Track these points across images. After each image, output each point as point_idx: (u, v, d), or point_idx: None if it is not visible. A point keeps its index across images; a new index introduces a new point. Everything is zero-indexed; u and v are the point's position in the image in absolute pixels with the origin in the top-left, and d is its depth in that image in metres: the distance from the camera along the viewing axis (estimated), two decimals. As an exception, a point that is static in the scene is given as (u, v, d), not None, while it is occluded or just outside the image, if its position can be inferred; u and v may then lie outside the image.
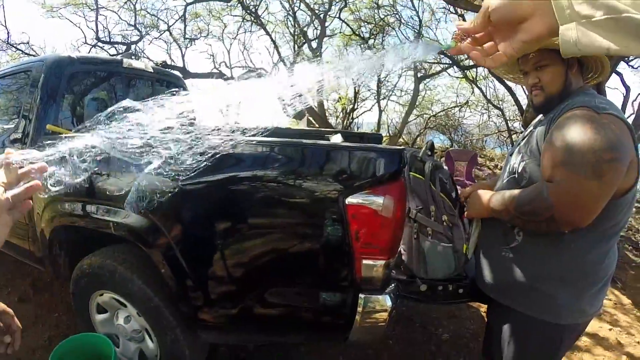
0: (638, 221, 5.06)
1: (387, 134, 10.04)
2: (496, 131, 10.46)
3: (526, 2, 0.55)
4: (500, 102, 9.20)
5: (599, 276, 1.19)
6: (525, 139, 1.29)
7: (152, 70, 2.82)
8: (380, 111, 10.21)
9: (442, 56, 7.68)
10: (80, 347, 1.59)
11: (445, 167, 1.73)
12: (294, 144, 1.33)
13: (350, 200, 1.21)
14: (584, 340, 2.52)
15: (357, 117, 11.00)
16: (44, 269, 2.18)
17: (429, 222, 1.43)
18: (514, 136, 8.96)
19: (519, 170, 1.23)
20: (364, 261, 1.25)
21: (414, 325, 2.58)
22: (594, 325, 2.69)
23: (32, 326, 2.39)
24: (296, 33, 9.54)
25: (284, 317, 1.41)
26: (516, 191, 1.18)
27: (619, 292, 3.30)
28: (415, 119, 10.97)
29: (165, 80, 2.98)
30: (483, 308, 2.76)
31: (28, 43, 9.01)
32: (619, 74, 6.05)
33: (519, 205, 1.14)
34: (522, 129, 6.95)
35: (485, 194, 1.30)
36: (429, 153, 1.56)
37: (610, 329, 2.71)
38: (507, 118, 9.01)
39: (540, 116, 1.34)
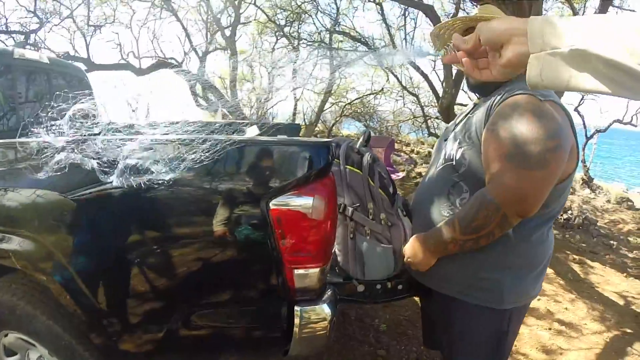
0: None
1: (303, 123, 9.98)
2: (411, 117, 10.89)
3: (505, 29, 0.58)
4: (416, 89, 9.55)
5: (539, 259, 1.20)
6: (462, 124, 1.24)
7: (48, 62, 2.56)
8: (296, 100, 10.12)
9: (358, 44, 7.74)
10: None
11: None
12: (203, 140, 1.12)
13: (275, 203, 1.05)
14: (516, 312, 2.65)
15: (272, 107, 10.80)
16: None
17: (367, 222, 1.32)
18: (429, 122, 9.40)
19: (457, 157, 1.18)
20: (296, 271, 1.10)
21: (349, 319, 2.52)
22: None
23: None
24: (209, 20, 9.01)
25: (214, 336, 1.24)
26: (453, 217, 1.13)
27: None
28: (330, 107, 11.03)
29: (64, 73, 2.75)
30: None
31: None
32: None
33: (465, 226, 1.09)
34: (438, 114, 7.31)
35: (417, 245, 1.22)
36: (365, 144, 1.45)
37: (538, 299, 2.88)
38: (423, 104, 9.39)
39: (471, 103, 1.31)
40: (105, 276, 1.18)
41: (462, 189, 1.18)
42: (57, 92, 2.61)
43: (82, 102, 1.06)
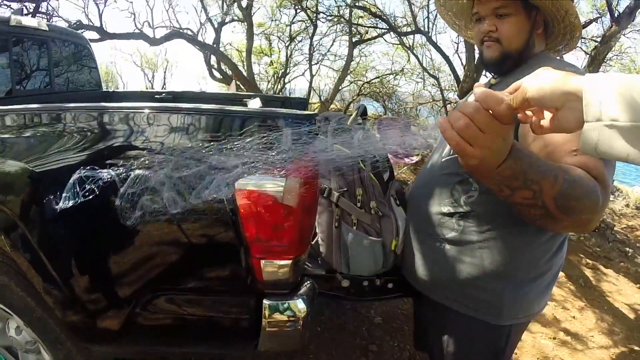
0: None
1: (319, 100, 9.73)
2: (431, 100, 10.54)
3: (558, 93, 0.53)
4: (437, 72, 9.19)
5: (549, 269, 1.03)
6: None
7: (47, 29, 2.47)
8: (312, 76, 9.80)
9: (379, 20, 7.42)
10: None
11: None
12: (160, 109, 0.97)
13: (241, 183, 0.90)
14: (520, 318, 2.49)
15: (289, 82, 10.54)
16: None
17: (354, 210, 1.16)
18: (448, 106, 9.06)
19: None
20: (264, 262, 0.96)
21: (343, 308, 2.39)
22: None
23: None
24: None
25: (177, 323, 1.16)
26: (560, 177, 0.74)
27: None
28: (348, 85, 10.72)
29: (66, 41, 2.69)
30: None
31: None
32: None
33: (562, 195, 0.74)
34: (457, 99, 7.02)
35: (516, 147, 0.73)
36: (360, 120, 1.27)
37: (546, 303, 2.70)
38: (443, 88, 9.03)
39: (483, 81, 1.11)
40: (67, 255, 1.11)
41: (471, 185, 1.00)
42: (56, 62, 2.52)
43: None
